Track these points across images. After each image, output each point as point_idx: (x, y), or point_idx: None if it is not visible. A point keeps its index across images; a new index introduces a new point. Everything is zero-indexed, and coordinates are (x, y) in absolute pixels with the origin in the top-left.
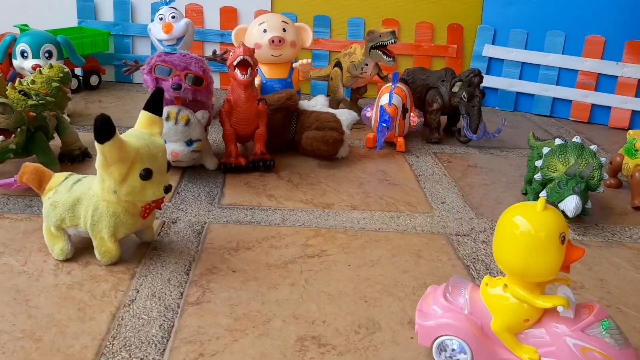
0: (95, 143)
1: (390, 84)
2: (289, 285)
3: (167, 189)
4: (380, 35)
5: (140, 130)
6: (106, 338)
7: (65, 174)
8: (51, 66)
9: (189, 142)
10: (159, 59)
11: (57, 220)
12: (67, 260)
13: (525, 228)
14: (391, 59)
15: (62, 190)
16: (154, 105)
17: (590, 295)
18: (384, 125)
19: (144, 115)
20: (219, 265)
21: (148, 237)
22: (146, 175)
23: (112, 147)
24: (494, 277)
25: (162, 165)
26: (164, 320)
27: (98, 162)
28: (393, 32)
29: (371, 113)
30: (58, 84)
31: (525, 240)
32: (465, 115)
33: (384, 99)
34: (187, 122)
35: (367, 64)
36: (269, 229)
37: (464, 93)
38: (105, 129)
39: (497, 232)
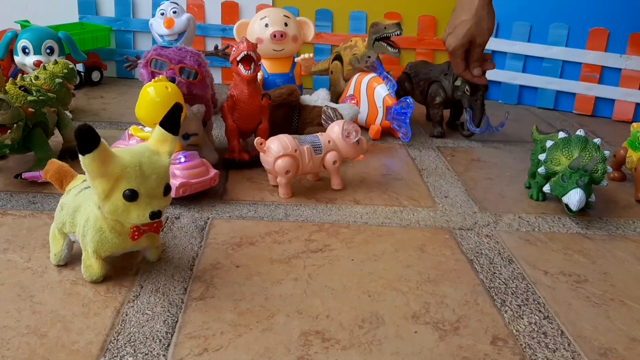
0: (80, 155)
1: (373, 74)
2: (292, 280)
3: (154, 215)
4: (385, 27)
5: (146, 146)
6: (110, 333)
7: (84, 176)
8: (56, 62)
9: (185, 136)
10: (154, 53)
11: (60, 223)
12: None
13: (152, 95)
14: (397, 50)
15: (72, 193)
16: (170, 122)
17: (593, 288)
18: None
19: (157, 131)
20: (222, 260)
21: (152, 257)
22: (131, 196)
23: (93, 161)
24: None
25: (155, 188)
26: (168, 316)
27: (86, 174)
28: (398, 24)
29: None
30: (61, 80)
31: (146, 101)
32: (468, 109)
33: (380, 91)
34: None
35: (369, 57)
36: (272, 224)
37: (467, 86)
38: (87, 140)
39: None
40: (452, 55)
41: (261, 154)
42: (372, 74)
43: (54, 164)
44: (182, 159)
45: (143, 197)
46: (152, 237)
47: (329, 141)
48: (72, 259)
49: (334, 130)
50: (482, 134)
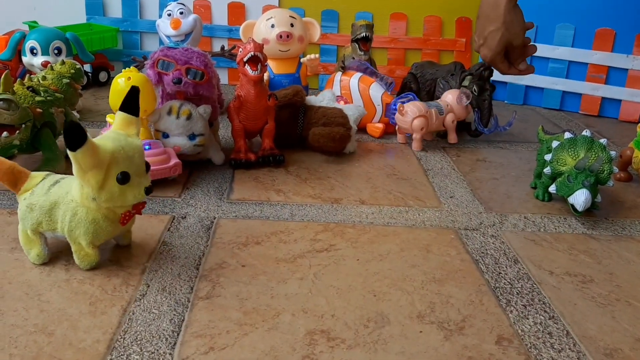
0: (68, 151)
1: (359, 74)
2: (297, 279)
3: (148, 190)
4: (356, 29)
5: (116, 132)
6: (117, 332)
7: (42, 174)
8: (64, 62)
9: (192, 137)
10: (161, 54)
11: (34, 223)
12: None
13: (122, 85)
14: (362, 52)
15: (38, 192)
16: (130, 105)
17: (599, 288)
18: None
19: (119, 116)
20: (228, 259)
21: (126, 241)
22: (123, 178)
23: (85, 154)
24: None
25: (140, 166)
26: (174, 315)
27: (74, 170)
28: (366, 26)
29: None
30: (69, 81)
31: (117, 91)
32: (476, 109)
33: (376, 89)
34: (189, 117)
35: (353, 58)
36: (277, 223)
37: (475, 87)
38: (76, 136)
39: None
40: (491, 63)
41: (398, 116)
42: (358, 74)
43: (4, 164)
44: (146, 147)
45: (134, 177)
46: (132, 220)
47: (447, 105)
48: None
49: (449, 97)
50: (490, 134)
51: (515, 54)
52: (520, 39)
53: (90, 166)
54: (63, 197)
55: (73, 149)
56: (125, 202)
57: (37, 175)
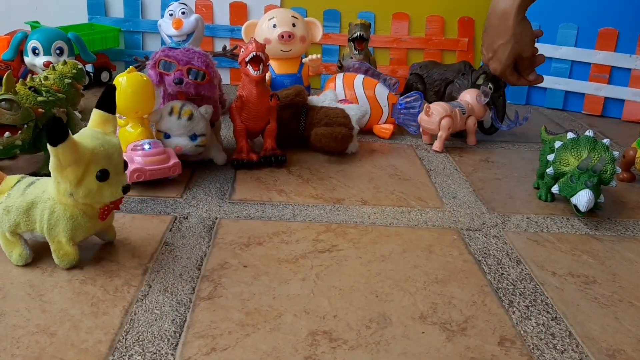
0: (48, 146)
1: (362, 75)
2: (299, 280)
3: (125, 188)
4: (352, 28)
5: (93, 129)
6: (119, 333)
7: (17, 177)
8: (65, 62)
9: (193, 137)
10: (162, 54)
11: (12, 225)
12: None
13: (123, 85)
14: (356, 51)
15: (14, 194)
16: (106, 102)
17: (602, 289)
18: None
19: (96, 114)
20: (230, 260)
21: (110, 237)
22: (102, 176)
23: (65, 150)
24: None
25: (119, 164)
26: (176, 315)
27: (52, 165)
28: (360, 25)
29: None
30: (70, 81)
31: (118, 92)
32: (492, 107)
33: (382, 90)
34: (191, 117)
35: (351, 57)
36: (279, 224)
37: (490, 84)
38: (57, 132)
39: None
40: (501, 76)
41: (424, 117)
42: (361, 75)
43: None
44: (147, 147)
45: (112, 175)
46: (112, 215)
47: (468, 104)
48: (25, 265)
49: (467, 96)
50: (508, 130)
51: (524, 64)
52: (530, 50)
53: (69, 162)
54: (40, 196)
55: (54, 145)
56: (102, 199)
57: (11, 179)
